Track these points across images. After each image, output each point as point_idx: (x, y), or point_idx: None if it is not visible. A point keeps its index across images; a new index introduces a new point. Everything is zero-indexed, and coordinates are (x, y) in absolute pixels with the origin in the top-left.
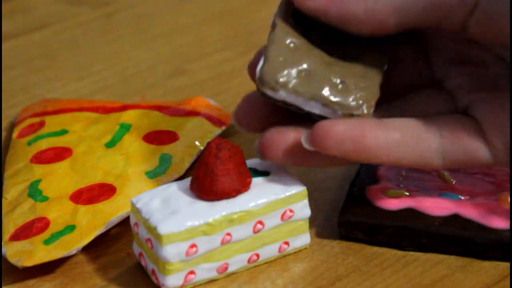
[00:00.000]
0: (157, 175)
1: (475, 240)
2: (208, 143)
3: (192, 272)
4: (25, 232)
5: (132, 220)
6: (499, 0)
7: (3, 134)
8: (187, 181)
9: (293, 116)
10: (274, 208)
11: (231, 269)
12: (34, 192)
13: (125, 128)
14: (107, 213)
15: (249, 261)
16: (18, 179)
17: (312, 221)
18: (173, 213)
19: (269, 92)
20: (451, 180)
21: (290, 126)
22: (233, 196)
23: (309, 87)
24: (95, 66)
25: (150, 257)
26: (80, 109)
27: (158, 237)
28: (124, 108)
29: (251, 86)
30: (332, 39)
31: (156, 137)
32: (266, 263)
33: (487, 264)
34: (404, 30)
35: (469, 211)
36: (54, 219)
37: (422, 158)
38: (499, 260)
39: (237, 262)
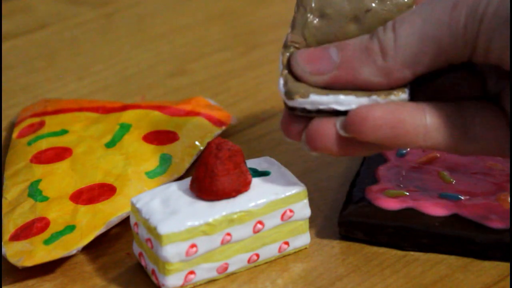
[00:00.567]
0: (157, 175)
1: (475, 240)
2: (208, 143)
3: (192, 272)
4: (25, 232)
5: (132, 220)
6: (497, 36)
7: (3, 134)
8: (187, 181)
9: None
10: (274, 208)
11: (231, 269)
12: (34, 192)
13: (125, 128)
14: (107, 213)
15: (249, 261)
16: (18, 179)
17: (312, 221)
18: (173, 213)
19: (300, 101)
20: (451, 180)
21: (334, 117)
22: (233, 196)
23: None
24: (95, 66)
25: (150, 257)
26: (80, 109)
27: (158, 237)
28: (124, 108)
29: (251, 86)
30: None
31: (156, 137)
32: (266, 263)
33: (487, 264)
34: (419, 75)
35: (469, 211)
36: (54, 219)
37: (456, 144)
38: (499, 260)
39: (237, 262)
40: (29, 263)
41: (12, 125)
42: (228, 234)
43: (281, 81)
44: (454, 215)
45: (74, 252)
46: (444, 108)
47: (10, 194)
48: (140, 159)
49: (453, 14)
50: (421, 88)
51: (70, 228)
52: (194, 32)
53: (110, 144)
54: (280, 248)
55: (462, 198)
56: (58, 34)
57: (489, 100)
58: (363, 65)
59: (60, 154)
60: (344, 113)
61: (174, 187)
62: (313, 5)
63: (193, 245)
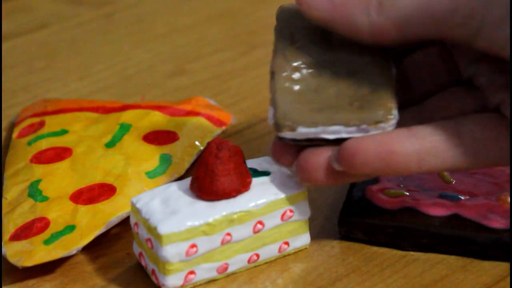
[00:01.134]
0: (157, 175)
1: (475, 240)
2: (208, 143)
3: (192, 272)
4: (25, 232)
5: (132, 220)
6: (503, 25)
7: (3, 134)
8: (187, 181)
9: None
10: (274, 208)
11: (231, 269)
12: (34, 192)
13: (125, 128)
14: (107, 213)
15: (249, 261)
16: (18, 179)
17: (312, 221)
18: (173, 213)
19: (289, 134)
20: (451, 180)
21: (324, 147)
22: (233, 196)
23: (326, 115)
24: (95, 66)
25: (150, 257)
26: (80, 109)
27: (158, 237)
28: (124, 108)
29: (251, 86)
30: (334, 47)
31: (156, 137)
32: (266, 263)
33: (487, 264)
34: (408, 42)
35: (469, 211)
36: (54, 219)
37: (455, 163)
38: (499, 260)
39: (237, 262)
40: (29, 263)
41: (12, 125)
42: (228, 234)
43: (271, 113)
44: (454, 215)
45: (74, 252)
46: (438, 129)
47: (10, 194)
48: (140, 159)
49: None
50: (419, 106)
51: (70, 228)
52: (194, 32)
53: (110, 144)
54: (280, 248)
55: (462, 198)
56: (58, 34)
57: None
58: (358, 14)
59: (60, 154)
60: (334, 141)
61: (174, 187)
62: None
63: (193, 245)
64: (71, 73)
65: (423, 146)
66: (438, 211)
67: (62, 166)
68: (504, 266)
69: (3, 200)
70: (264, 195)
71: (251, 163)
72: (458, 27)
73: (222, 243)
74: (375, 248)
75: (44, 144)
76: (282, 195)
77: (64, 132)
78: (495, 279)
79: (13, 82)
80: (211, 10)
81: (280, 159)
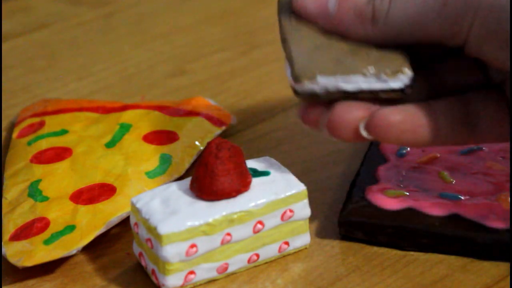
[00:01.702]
0: (157, 175)
1: (475, 240)
2: (208, 143)
3: (192, 272)
4: (25, 232)
5: (132, 220)
6: (498, 15)
7: (3, 134)
8: (187, 181)
9: None
10: (274, 208)
11: (231, 269)
12: (34, 192)
13: (125, 128)
14: (107, 213)
15: (249, 261)
16: (18, 179)
17: (312, 221)
18: (173, 213)
19: (308, 85)
20: (451, 180)
21: (358, 102)
22: (233, 196)
23: (344, 66)
24: (95, 66)
25: (150, 257)
26: (80, 109)
27: (158, 237)
28: (124, 108)
29: (251, 86)
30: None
31: (156, 137)
32: (266, 263)
33: (487, 264)
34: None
35: (469, 211)
36: (54, 219)
37: (462, 139)
38: (499, 260)
39: (237, 262)
40: (29, 263)
41: (12, 125)
42: (228, 234)
43: (288, 71)
44: (454, 215)
45: (74, 252)
46: (451, 105)
47: (10, 194)
48: (140, 159)
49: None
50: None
51: (70, 228)
52: (194, 32)
53: (110, 144)
54: (280, 248)
55: (462, 198)
56: (58, 34)
57: (493, 87)
58: (353, 27)
59: (60, 154)
60: (353, 94)
61: (174, 187)
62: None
63: (193, 245)
64: (71, 73)
65: (443, 121)
66: (438, 211)
67: (62, 166)
68: (504, 266)
69: (3, 200)
70: (264, 195)
71: (251, 163)
72: (447, 39)
73: (222, 243)
74: (375, 248)
75: (44, 144)
76: (282, 195)
77: (64, 132)
78: (495, 279)
79: (13, 82)
80: (211, 10)
81: (306, 119)
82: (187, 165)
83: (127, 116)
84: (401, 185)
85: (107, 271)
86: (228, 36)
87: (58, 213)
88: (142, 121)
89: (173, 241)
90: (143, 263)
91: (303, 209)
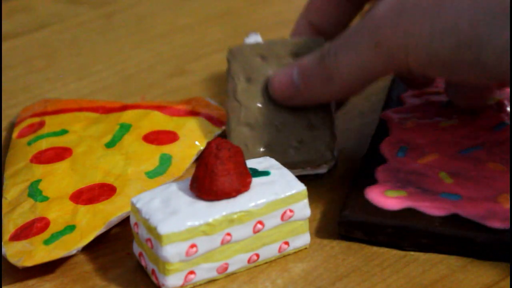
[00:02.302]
0: (157, 175)
1: (475, 240)
2: (208, 143)
3: (192, 272)
4: (25, 232)
5: (132, 220)
6: (427, 51)
7: (3, 134)
8: (187, 181)
9: None
10: (274, 208)
11: (231, 269)
12: (34, 192)
13: (125, 128)
14: (107, 213)
15: (249, 261)
16: (18, 179)
17: (312, 221)
18: (173, 213)
19: None
20: (451, 180)
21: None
22: (233, 196)
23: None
24: (95, 66)
25: (150, 257)
26: (80, 109)
27: (158, 237)
28: (124, 108)
29: None
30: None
31: (156, 137)
32: (266, 263)
33: (487, 264)
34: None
35: (469, 211)
36: (54, 219)
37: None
38: (499, 260)
39: (237, 262)
40: (29, 263)
41: (12, 125)
42: (228, 234)
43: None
44: (454, 215)
45: (74, 252)
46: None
47: (10, 194)
48: (140, 159)
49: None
50: None
51: (70, 228)
52: (194, 32)
53: (110, 144)
54: (280, 248)
55: (462, 198)
56: (58, 34)
57: None
58: (320, 90)
59: (60, 154)
60: None
61: (174, 187)
62: (240, 74)
63: (193, 245)
64: (71, 73)
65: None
66: (438, 211)
67: (62, 166)
68: (504, 266)
69: (3, 200)
70: (264, 195)
71: (251, 163)
72: (394, 71)
73: (222, 243)
74: (375, 248)
75: (44, 144)
76: (282, 195)
77: (64, 132)
78: (495, 279)
79: (13, 82)
80: (211, 10)
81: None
82: (187, 165)
83: (127, 116)
84: (401, 185)
85: (107, 271)
86: (228, 36)
87: (58, 213)
88: (142, 121)
89: (173, 241)
90: (143, 263)
91: (303, 209)
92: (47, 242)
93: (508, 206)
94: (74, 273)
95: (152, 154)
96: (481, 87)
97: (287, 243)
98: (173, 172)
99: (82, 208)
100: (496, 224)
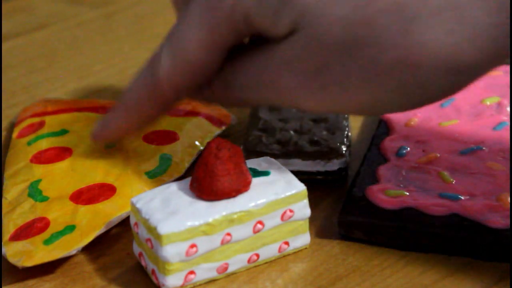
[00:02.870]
0: (157, 175)
1: (475, 240)
2: (208, 143)
3: (192, 272)
4: (25, 232)
5: (132, 220)
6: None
7: (3, 134)
8: (187, 181)
9: None
10: (274, 208)
11: (231, 269)
12: (34, 192)
13: None
14: (107, 213)
15: (249, 261)
16: (18, 179)
17: (312, 221)
18: (173, 213)
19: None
20: (451, 180)
21: None
22: (233, 196)
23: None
24: (95, 66)
25: (150, 257)
26: (80, 109)
27: (158, 237)
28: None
29: None
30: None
31: (156, 137)
32: (266, 263)
33: (487, 264)
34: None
35: (469, 211)
36: (54, 219)
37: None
38: (499, 260)
39: (237, 262)
40: (29, 263)
41: (12, 125)
42: (228, 234)
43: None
44: (454, 215)
45: (74, 252)
46: None
47: (10, 194)
48: (140, 159)
49: None
50: None
51: (70, 228)
52: None
53: (110, 144)
54: (280, 248)
55: (462, 198)
56: (58, 34)
57: None
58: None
59: (60, 154)
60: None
61: (174, 187)
62: None
63: (193, 245)
64: (71, 73)
65: None
66: (438, 211)
67: (62, 166)
68: (504, 266)
69: (3, 200)
70: (264, 195)
71: (251, 163)
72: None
73: (222, 243)
74: (375, 248)
75: (44, 144)
76: (282, 195)
77: (64, 132)
78: (495, 279)
79: (13, 82)
80: None
81: None
82: (187, 165)
83: None
84: (401, 185)
85: (107, 271)
86: None
87: (58, 213)
88: None
89: (173, 241)
90: (143, 263)
91: (303, 209)
92: (47, 242)
93: (508, 206)
94: (74, 273)
95: (152, 154)
96: None
97: (287, 243)
98: (173, 172)
99: (82, 208)
100: (496, 224)
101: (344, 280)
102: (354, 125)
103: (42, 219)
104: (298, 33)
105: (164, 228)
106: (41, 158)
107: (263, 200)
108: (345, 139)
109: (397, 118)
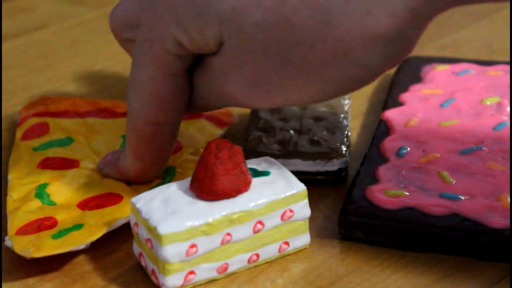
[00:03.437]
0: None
1: (475, 240)
2: (208, 143)
3: (192, 272)
4: (33, 228)
5: (132, 220)
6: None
7: (4, 134)
8: (187, 181)
9: None
10: (274, 208)
11: (231, 269)
12: (42, 193)
13: None
14: (115, 215)
15: (249, 261)
16: (25, 181)
17: (312, 221)
18: (173, 213)
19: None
20: (451, 180)
21: None
22: (233, 196)
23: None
24: (95, 66)
25: (150, 257)
26: (81, 115)
27: (158, 237)
28: (125, 114)
29: None
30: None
31: None
32: (266, 263)
33: (487, 264)
34: None
35: (469, 211)
36: (62, 220)
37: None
38: (499, 260)
39: (237, 262)
40: (37, 254)
41: (14, 124)
42: (228, 234)
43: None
44: (454, 215)
45: (82, 246)
46: None
47: (16, 193)
48: None
49: None
50: None
51: (78, 226)
52: None
53: None
54: (280, 248)
55: (462, 198)
56: (58, 34)
57: None
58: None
59: (66, 163)
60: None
61: (174, 187)
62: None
63: (193, 245)
64: (71, 73)
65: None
66: (438, 211)
67: (70, 174)
68: (504, 266)
69: (9, 198)
70: (264, 195)
71: (251, 163)
72: None
73: (222, 243)
74: (375, 248)
75: (50, 153)
76: (282, 195)
77: (69, 140)
78: (495, 279)
79: (13, 82)
80: None
81: None
82: (191, 172)
83: None
84: (401, 185)
85: (107, 271)
86: None
87: (66, 216)
88: None
89: (173, 241)
90: (143, 263)
91: (303, 209)
92: (55, 236)
93: (508, 206)
94: (74, 273)
95: None
96: None
97: (287, 243)
98: (176, 180)
99: (90, 212)
100: (496, 224)
101: (344, 280)
102: (354, 125)
103: (50, 218)
104: (226, 43)
105: (164, 228)
106: (49, 165)
107: (263, 200)
108: (345, 139)
109: (397, 118)
